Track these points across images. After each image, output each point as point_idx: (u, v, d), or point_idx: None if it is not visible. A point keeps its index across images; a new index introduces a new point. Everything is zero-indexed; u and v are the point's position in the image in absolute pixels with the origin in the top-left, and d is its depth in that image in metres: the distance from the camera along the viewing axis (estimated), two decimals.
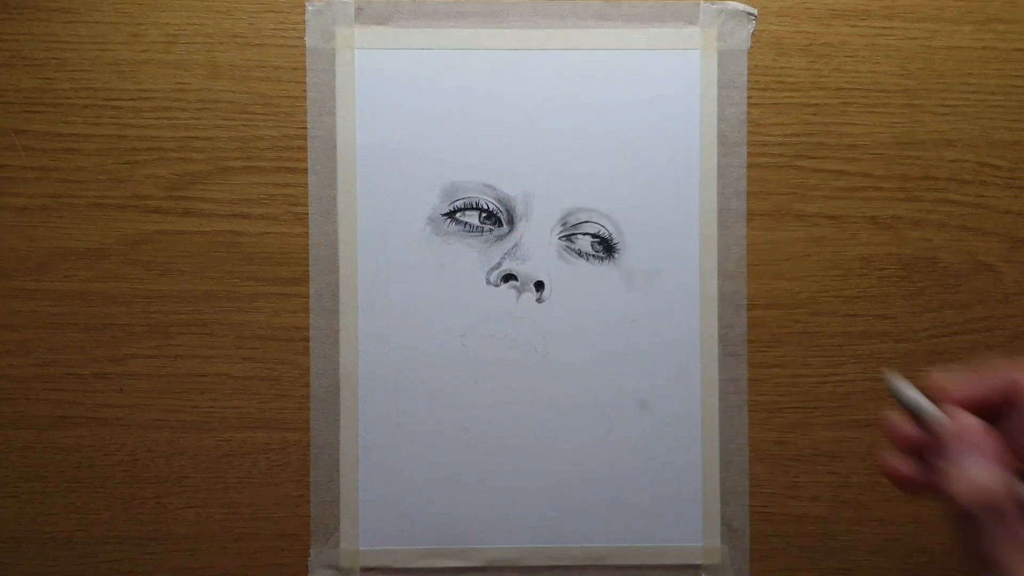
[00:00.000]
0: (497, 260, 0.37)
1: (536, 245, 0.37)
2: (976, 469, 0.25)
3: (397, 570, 0.37)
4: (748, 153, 0.37)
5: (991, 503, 0.25)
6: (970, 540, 0.25)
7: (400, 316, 0.37)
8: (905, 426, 0.26)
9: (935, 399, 0.26)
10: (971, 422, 0.26)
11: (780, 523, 0.37)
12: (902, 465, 0.28)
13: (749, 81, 0.37)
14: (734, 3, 0.37)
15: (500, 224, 0.37)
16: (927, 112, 0.37)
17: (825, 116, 0.37)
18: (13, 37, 0.36)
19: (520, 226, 0.37)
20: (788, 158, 0.37)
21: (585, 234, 0.37)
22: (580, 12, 0.37)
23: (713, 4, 0.37)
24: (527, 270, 0.37)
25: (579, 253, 0.37)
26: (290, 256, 0.37)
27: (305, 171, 0.37)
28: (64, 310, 0.37)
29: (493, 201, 0.37)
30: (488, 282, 0.37)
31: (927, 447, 0.26)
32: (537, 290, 0.37)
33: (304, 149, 0.37)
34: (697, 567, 0.37)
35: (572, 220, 0.37)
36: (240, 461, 0.37)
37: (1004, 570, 0.24)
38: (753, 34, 0.37)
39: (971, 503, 0.25)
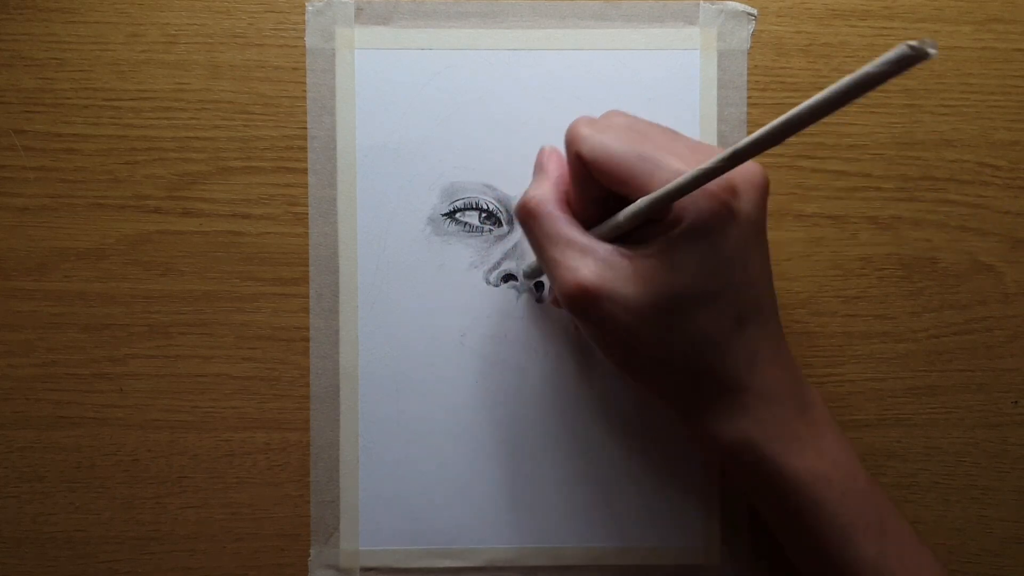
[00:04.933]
0: (497, 260, 0.37)
1: None
2: (530, 190, 0.30)
3: (397, 570, 0.37)
4: None
5: (523, 209, 0.30)
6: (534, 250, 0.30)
7: (400, 316, 0.37)
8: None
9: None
10: (549, 156, 0.32)
11: None
12: None
13: (749, 81, 0.37)
14: (734, 3, 0.37)
15: (500, 224, 0.37)
16: (927, 112, 0.37)
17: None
18: (13, 37, 0.36)
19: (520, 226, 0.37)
20: (788, 158, 0.37)
21: None
22: (580, 12, 0.37)
23: (713, 4, 0.37)
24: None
25: None
26: (290, 256, 0.37)
27: (305, 171, 0.37)
28: (64, 310, 0.37)
29: (493, 201, 0.37)
30: (488, 282, 0.37)
31: None
32: (537, 290, 0.37)
33: (304, 149, 0.37)
34: (697, 567, 0.37)
35: None
36: (240, 461, 0.37)
37: (546, 261, 0.29)
38: (753, 34, 0.37)
39: (517, 216, 0.31)
